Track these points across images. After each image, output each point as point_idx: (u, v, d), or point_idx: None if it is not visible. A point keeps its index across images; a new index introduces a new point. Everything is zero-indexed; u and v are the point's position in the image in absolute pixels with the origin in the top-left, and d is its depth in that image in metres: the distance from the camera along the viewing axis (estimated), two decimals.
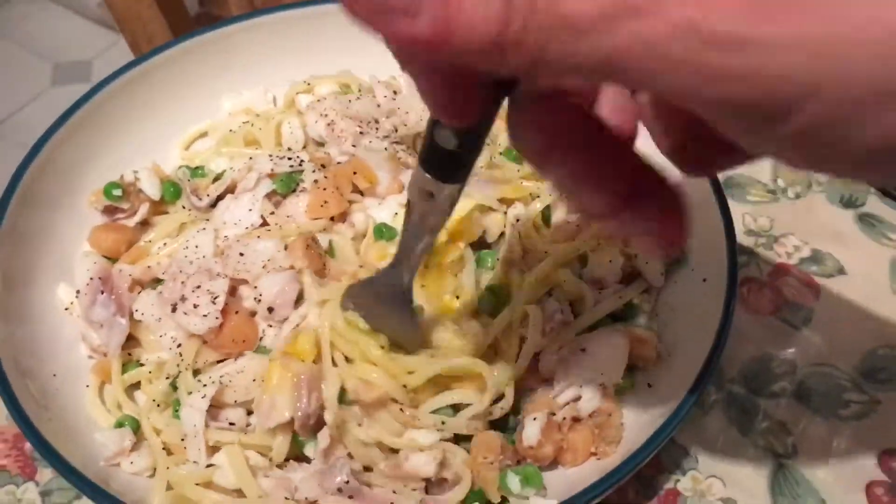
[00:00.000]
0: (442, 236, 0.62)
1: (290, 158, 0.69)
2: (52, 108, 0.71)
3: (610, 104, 0.40)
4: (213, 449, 0.59)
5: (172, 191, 0.72)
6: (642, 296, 0.67)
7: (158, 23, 1.05)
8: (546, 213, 0.69)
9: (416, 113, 0.73)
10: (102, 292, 0.65)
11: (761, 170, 0.82)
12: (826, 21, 0.24)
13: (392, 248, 0.61)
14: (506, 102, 0.36)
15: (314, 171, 0.68)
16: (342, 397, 0.58)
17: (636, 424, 0.60)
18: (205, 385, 0.59)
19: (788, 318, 0.72)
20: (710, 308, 0.60)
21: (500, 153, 0.71)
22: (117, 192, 0.70)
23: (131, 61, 0.76)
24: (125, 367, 0.64)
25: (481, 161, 0.71)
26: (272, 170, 0.67)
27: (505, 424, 0.62)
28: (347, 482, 0.54)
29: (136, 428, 0.61)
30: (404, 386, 0.58)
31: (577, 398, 0.61)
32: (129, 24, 1.09)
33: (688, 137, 0.38)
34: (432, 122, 0.39)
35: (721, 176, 0.65)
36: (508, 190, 0.68)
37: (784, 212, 0.79)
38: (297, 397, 0.57)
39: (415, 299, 0.59)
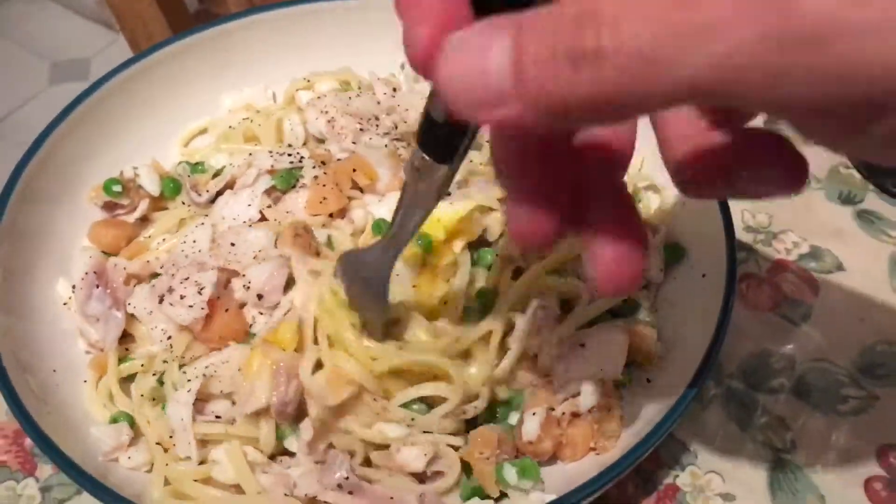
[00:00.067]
0: (440, 234, 0.61)
1: (289, 155, 0.69)
2: (50, 106, 0.71)
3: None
4: (202, 443, 0.59)
5: (172, 187, 0.72)
6: (641, 291, 0.67)
7: (158, 21, 1.05)
8: None
9: (415, 110, 0.73)
10: (98, 286, 0.65)
11: None
12: None
13: None
14: None
15: (314, 168, 0.68)
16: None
17: (635, 419, 0.60)
18: (189, 380, 0.59)
19: (787, 314, 0.72)
20: (709, 304, 0.60)
21: None
22: (117, 189, 0.70)
23: (131, 58, 0.76)
24: (121, 362, 0.64)
25: (482, 160, 0.71)
26: (272, 166, 0.67)
27: (504, 419, 0.63)
28: (347, 478, 0.54)
29: (133, 423, 0.61)
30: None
31: (577, 393, 0.61)
32: (128, 22, 1.09)
33: (699, 169, 0.38)
34: (430, 97, 0.40)
35: None
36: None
37: (783, 208, 0.79)
38: (275, 384, 0.56)
39: (406, 299, 0.60)
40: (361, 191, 0.69)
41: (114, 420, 0.61)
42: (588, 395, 0.61)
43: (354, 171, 0.67)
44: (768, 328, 0.71)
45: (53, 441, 0.54)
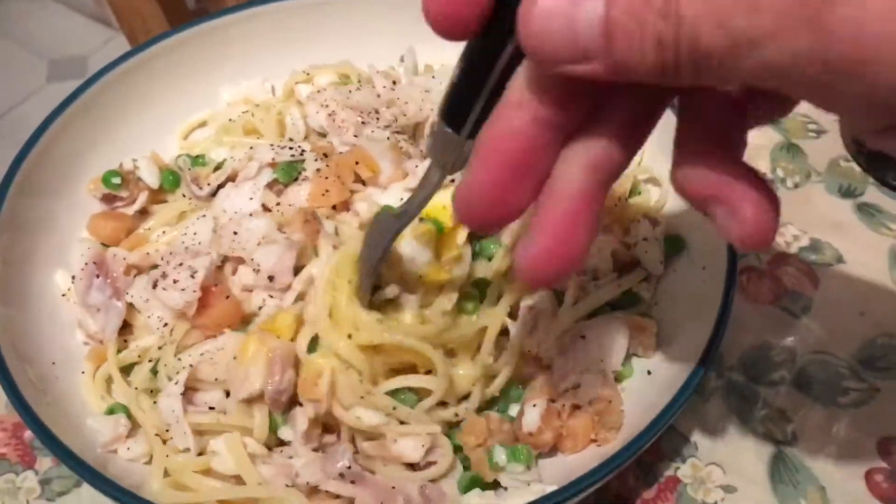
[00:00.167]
0: (448, 221, 0.61)
1: (291, 148, 0.69)
2: (48, 104, 0.71)
3: None
4: (200, 433, 0.59)
5: (171, 179, 0.72)
6: (642, 284, 0.67)
7: (156, 16, 1.05)
8: None
9: (415, 103, 0.73)
10: (98, 276, 0.65)
11: (759, 159, 0.82)
12: None
13: None
14: None
15: (316, 161, 0.68)
16: (312, 347, 0.58)
17: (636, 411, 0.60)
18: (183, 368, 0.59)
19: (788, 307, 0.72)
20: (709, 296, 0.60)
21: None
22: (116, 181, 0.70)
23: (130, 50, 0.76)
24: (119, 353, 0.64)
25: None
26: (273, 159, 0.67)
27: (504, 411, 0.63)
28: (349, 467, 0.54)
29: (130, 414, 0.61)
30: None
31: (577, 385, 0.61)
32: (127, 18, 1.09)
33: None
34: (466, 68, 0.39)
35: None
36: None
37: (783, 201, 0.77)
38: (270, 372, 0.56)
39: (407, 282, 0.60)
40: (364, 184, 0.69)
41: (110, 411, 0.61)
42: (588, 387, 0.61)
43: (357, 163, 0.67)
44: (769, 321, 0.71)
45: (53, 432, 0.54)
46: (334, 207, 0.65)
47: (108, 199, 0.72)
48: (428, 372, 0.60)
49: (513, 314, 0.63)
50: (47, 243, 0.68)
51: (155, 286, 0.61)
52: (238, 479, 0.56)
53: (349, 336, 0.57)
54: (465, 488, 0.58)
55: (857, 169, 0.81)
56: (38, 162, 0.68)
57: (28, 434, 0.66)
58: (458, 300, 0.61)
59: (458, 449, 0.60)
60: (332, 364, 0.57)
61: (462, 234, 0.63)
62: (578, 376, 0.61)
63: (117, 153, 0.74)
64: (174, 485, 0.57)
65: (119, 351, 0.64)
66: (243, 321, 0.63)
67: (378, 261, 0.55)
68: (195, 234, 0.64)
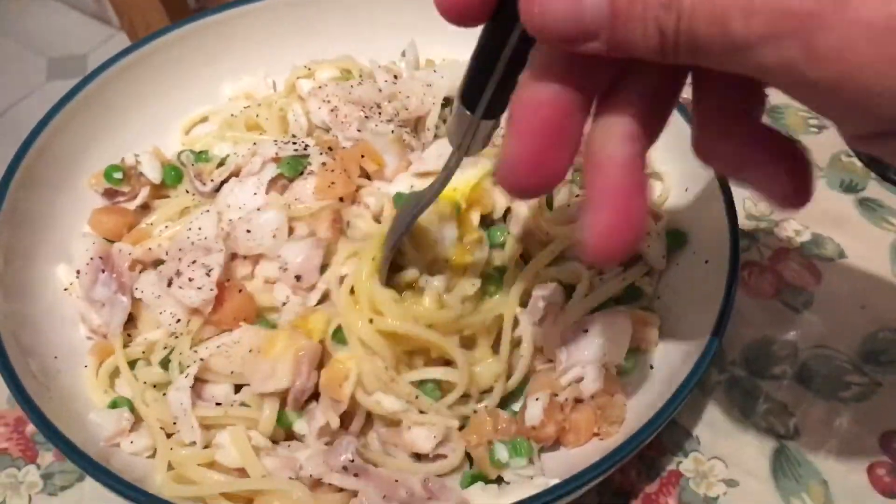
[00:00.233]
0: (461, 203, 0.62)
1: (294, 143, 0.69)
2: (47, 102, 0.70)
3: None
4: (205, 427, 0.59)
5: (173, 175, 0.72)
6: (644, 278, 0.67)
7: (157, 11, 1.05)
8: (549, 196, 0.69)
9: (416, 97, 0.72)
10: (103, 271, 0.65)
11: None
12: None
13: None
14: None
15: (321, 154, 0.68)
16: (339, 337, 0.59)
17: (638, 405, 0.60)
18: (195, 361, 0.59)
19: (789, 301, 0.72)
20: (712, 290, 0.60)
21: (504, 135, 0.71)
22: (118, 175, 0.70)
23: (131, 45, 0.76)
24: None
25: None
26: (276, 154, 0.67)
27: (507, 405, 0.63)
28: (353, 461, 0.54)
29: (133, 408, 0.61)
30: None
31: (580, 379, 0.61)
32: (128, 13, 1.09)
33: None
34: (479, 51, 0.40)
35: None
36: None
37: None
38: (297, 371, 0.57)
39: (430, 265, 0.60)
40: (369, 178, 0.69)
41: (113, 405, 0.61)
42: (591, 381, 0.61)
43: (362, 157, 0.67)
44: (770, 315, 0.71)
45: (56, 426, 0.54)
46: (341, 199, 0.65)
47: (110, 193, 0.72)
48: (448, 362, 0.60)
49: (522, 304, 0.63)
50: (49, 238, 0.68)
51: (170, 284, 0.61)
52: (242, 473, 0.56)
53: (370, 321, 0.57)
54: (468, 483, 0.58)
55: (859, 164, 0.81)
56: (40, 156, 0.68)
57: (30, 429, 0.66)
58: (482, 284, 0.62)
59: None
60: (358, 353, 0.58)
61: (476, 216, 0.63)
62: (581, 370, 0.61)
63: (119, 148, 0.73)
64: (177, 478, 0.57)
65: (124, 346, 0.64)
66: (258, 315, 0.63)
67: (397, 239, 0.56)
68: (200, 229, 0.64)
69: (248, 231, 0.63)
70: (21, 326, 0.61)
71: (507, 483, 0.59)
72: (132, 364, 0.64)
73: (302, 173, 0.66)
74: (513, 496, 0.55)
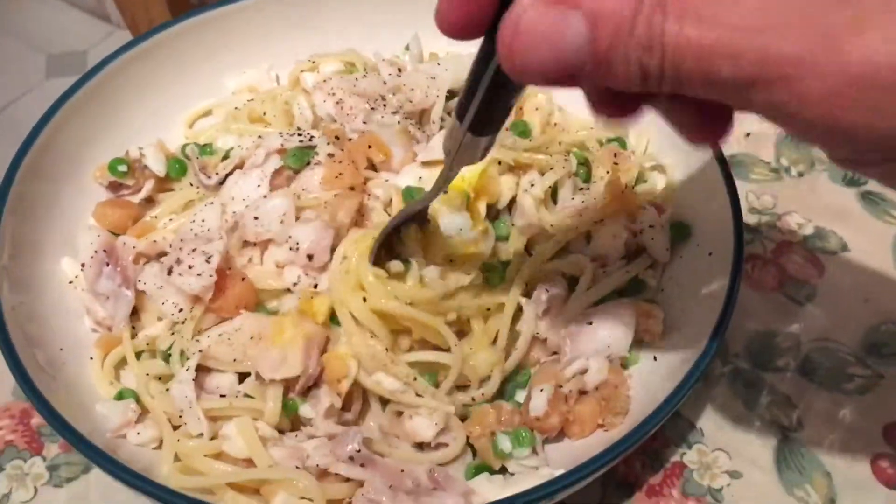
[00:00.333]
0: (469, 191, 0.63)
1: (300, 135, 0.69)
2: (46, 100, 0.70)
3: None
4: (212, 419, 0.59)
5: (178, 168, 0.72)
6: (648, 270, 0.67)
7: (160, 7, 1.05)
8: (553, 189, 0.69)
9: (421, 90, 0.73)
10: (108, 264, 0.65)
11: (764, 149, 0.82)
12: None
13: None
14: None
15: (328, 145, 0.68)
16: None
17: (642, 397, 0.60)
18: (195, 353, 0.59)
19: (792, 294, 0.72)
20: (715, 282, 0.61)
21: (507, 128, 0.71)
22: (122, 168, 0.70)
23: (134, 39, 0.76)
24: None
25: None
26: (282, 145, 0.67)
27: (511, 397, 0.63)
28: (359, 451, 0.55)
29: (139, 399, 0.61)
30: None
31: (584, 370, 0.61)
32: (130, 9, 1.09)
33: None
34: (493, 88, 0.41)
35: (725, 154, 0.65)
36: (523, 155, 0.68)
37: (787, 190, 0.79)
38: (307, 356, 0.57)
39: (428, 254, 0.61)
40: (375, 169, 0.69)
41: (119, 396, 0.61)
42: (595, 372, 0.61)
43: (370, 147, 0.67)
44: (774, 308, 0.71)
45: (64, 417, 0.54)
46: (352, 189, 0.65)
47: (114, 186, 0.72)
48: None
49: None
50: (54, 231, 0.68)
51: (170, 272, 0.61)
52: (249, 463, 0.57)
53: (364, 300, 0.58)
54: (472, 474, 0.59)
55: None
56: (44, 150, 0.68)
57: (35, 421, 0.67)
58: (484, 272, 0.62)
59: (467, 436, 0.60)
60: (351, 330, 0.58)
61: (483, 206, 0.64)
62: (585, 362, 0.61)
63: (122, 142, 0.74)
64: (184, 469, 0.57)
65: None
66: (258, 303, 0.63)
67: (389, 226, 0.58)
68: (203, 220, 0.64)
69: (256, 218, 0.63)
70: (27, 319, 0.61)
71: (512, 474, 0.59)
72: (136, 356, 0.64)
73: (309, 163, 0.67)
74: (518, 487, 0.55)
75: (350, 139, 0.70)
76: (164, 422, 0.59)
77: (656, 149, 0.72)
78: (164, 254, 0.65)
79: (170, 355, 0.61)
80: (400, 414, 0.60)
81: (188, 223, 0.65)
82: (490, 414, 0.59)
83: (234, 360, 0.59)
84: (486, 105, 0.43)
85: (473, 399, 0.61)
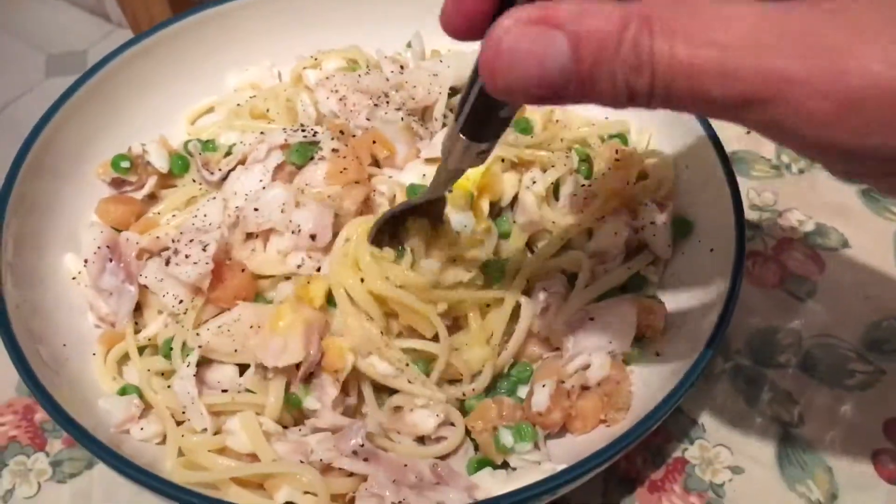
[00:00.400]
0: (472, 189, 0.63)
1: (303, 131, 0.69)
2: (46, 99, 0.70)
3: None
4: (216, 414, 0.59)
5: (181, 164, 0.72)
6: (650, 267, 0.67)
7: (160, 4, 1.05)
8: (555, 186, 0.69)
9: (423, 87, 0.73)
10: (111, 260, 0.65)
11: (765, 146, 0.83)
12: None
13: None
14: None
15: (333, 140, 0.68)
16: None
17: (644, 392, 0.61)
18: (188, 354, 0.60)
19: (793, 291, 0.72)
20: (717, 278, 0.61)
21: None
22: (125, 164, 0.70)
23: (136, 36, 0.76)
24: None
25: None
26: (285, 140, 0.68)
27: (512, 392, 0.63)
28: (363, 445, 0.55)
29: (142, 395, 0.62)
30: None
31: (586, 366, 0.61)
32: (130, 6, 1.09)
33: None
34: (470, 85, 0.42)
35: (726, 151, 0.66)
36: (526, 151, 0.68)
37: (788, 187, 0.80)
38: (307, 342, 0.57)
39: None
40: (378, 166, 0.69)
41: (123, 391, 0.61)
42: (597, 368, 0.61)
43: (374, 143, 0.68)
44: (775, 304, 0.72)
45: (68, 412, 0.54)
46: (357, 183, 0.66)
47: (117, 183, 0.73)
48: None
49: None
50: (57, 227, 0.68)
51: (168, 263, 0.61)
52: (253, 458, 0.57)
53: (361, 280, 0.58)
54: (474, 469, 0.59)
55: None
56: (47, 147, 0.68)
57: (38, 416, 0.67)
58: (484, 267, 0.62)
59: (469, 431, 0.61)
60: (346, 310, 0.59)
61: (486, 204, 0.64)
62: (587, 357, 0.61)
63: (124, 139, 0.74)
64: (188, 464, 0.57)
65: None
66: (257, 294, 0.63)
67: (388, 213, 0.59)
68: (205, 215, 0.64)
69: (256, 209, 0.63)
70: (31, 315, 0.61)
71: (514, 469, 0.59)
72: (139, 352, 0.64)
73: (312, 158, 0.67)
74: (520, 481, 0.55)
75: (354, 135, 0.70)
76: (167, 417, 0.59)
77: (658, 145, 0.72)
78: (166, 249, 0.66)
79: (171, 348, 0.61)
80: (399, 409, 0.60)
81: (190, 218, 0.65)
82: (492, 409, 0.60)
83: (235, 351, 0.59)
84: (476, 111, 0.43)
85: (464, 394, 0.61)
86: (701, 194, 0.68)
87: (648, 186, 0.70)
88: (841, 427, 0.65)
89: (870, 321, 0.70)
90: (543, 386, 0.60)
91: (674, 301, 0.66)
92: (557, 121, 0.74)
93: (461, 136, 0.45)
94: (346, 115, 0.72)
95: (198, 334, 0.59)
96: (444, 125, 0.72)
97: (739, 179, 0.64)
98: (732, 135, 0.81)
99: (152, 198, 0.73)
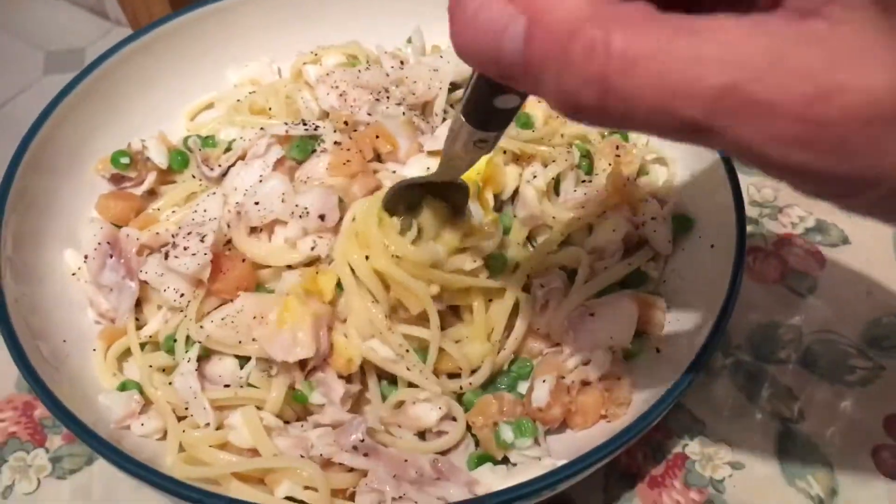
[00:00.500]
0: (478, 179, 0.63)
1: (304, 125, 0.69)
2: (44, 97, 0.70)
3: None
4: (218, 409, 0.59)
5: (180, 160, 0.72)
6: (650, 263, 0.67)
7: (160, 1, 1.05)
8: (555, 181, 0.69)
9: (423, 82, 0.73)
10: (111, 256, 0.65)
11: None
12: None
13: None
14: None
15: (335, 132, 0.68)
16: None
17: (645, 388, 0.61)
18: (190, 347, 0.60)
19: (794, 286, 0.72)
20: (717, 274, 0.61)
21: None
22: (125, 161, 0.70)
23: (135, 32, 0.76)
24: None
25: None
26: (286, 132, 0.67)
27: (512, 388, 0.63)
28: (363, 440, 0.55)
29: (142, 391, 0.62)
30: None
31: (587, 362, 0.61)
32: (130, 2, 1.09)
33: None
34: (489, 87, 0.41)
35: None
36: (527, 145, 0.68)
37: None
38: (316, 336, 0.57)
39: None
40: (381, 161, 0.69)
41: (123, 387, 0.61)
42: (598, 364, 0.61)
43: (377, 137, 0.68)
44: (775, 300, 0.72)
45: (68, 407, 0.54)
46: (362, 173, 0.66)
47: (117, 179, 0.72)
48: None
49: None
50: (56, 223, 0.68)
51: (167, 257, 0.61)
52: (255, 453, 0.57)
53: (367, 258, 0.58)
54: (475, 465, 0.59)
55: None
56: (46, 143, 0.68)
57: (38, 412, 0.67)
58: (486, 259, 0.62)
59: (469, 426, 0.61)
60: (350, 285, 0.59)
61: (490, 196, 0.64)
62: (588, 353, 0.61)
63: (124, 135, 0.74)
64: (188, 459, 0.57)
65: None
66: (259, 283, 0.63)
67: (395, 186, 0.58)
68: (205, 210, 0.64)
69: (257, 203, 0.63)
70: (31, 311, 0.61)
71: (515, 464, 0.59)
72: (140, 348, 0.64)
73: (314, 151, 0.66)
74: (520, 477, 0.55)
75: (356, 130, 0.70)
76: (168, 412, 0.59)
77: (658, 141, 0.72)
78: (167, 245, 0.65)
79: (174, 341, 0.61)
80: (401, 404, 0.60)
81: (190, 213, 0.65)
82: (493, 404, 0.60)
83: (240, 343, 0.59)
84: (476, 91, 0.42)
85: (462, 388, 0.61)
86: (701, 190, 0.68)
87: (649, 182, 0.70)
88: (841, 423, 0.65)
89: (870, 317, 0.70)
90: (544, 381, 0.60)
91: (674, 297, 0.66)
92: (558, 116, 0.74)
93: (461, 117, 0.45)
94: (346, 110, 0.72)
95: (201, 326, 0.59)
96: (444, 119, 0.72)
97: (740, 175, 0.64)
98: None
99: (152, 194, 0.73)
